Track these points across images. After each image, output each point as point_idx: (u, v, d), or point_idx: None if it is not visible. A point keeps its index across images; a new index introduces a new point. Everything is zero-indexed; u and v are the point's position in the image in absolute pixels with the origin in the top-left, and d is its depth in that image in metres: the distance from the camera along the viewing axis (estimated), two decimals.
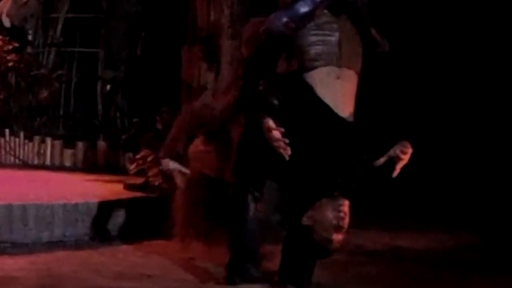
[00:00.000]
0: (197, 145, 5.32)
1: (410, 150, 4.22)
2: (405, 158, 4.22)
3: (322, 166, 4.09)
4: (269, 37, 4.26)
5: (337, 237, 4.04)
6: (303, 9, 4.18)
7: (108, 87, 8.56)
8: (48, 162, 8.27)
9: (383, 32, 4.35)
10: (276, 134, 4.02)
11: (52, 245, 5.31)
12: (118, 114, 8.47)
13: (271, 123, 4.04)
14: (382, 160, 4.21)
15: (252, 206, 4.31)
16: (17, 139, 8.35)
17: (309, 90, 4.13)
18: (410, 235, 6.17)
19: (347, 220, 4.05)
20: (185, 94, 6.25)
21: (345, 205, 4.05)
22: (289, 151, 4.00)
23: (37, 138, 8.36)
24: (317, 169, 4.09)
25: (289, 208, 4.49)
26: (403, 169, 4.27)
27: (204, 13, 6.18)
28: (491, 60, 7.72)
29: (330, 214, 4.01)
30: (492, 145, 7.64)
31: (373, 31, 4.30)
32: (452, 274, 5.11)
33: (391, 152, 4.21)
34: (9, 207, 5.30)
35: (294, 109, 4.12)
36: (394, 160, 4.22)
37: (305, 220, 4.07)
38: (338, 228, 4.02)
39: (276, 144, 4.02)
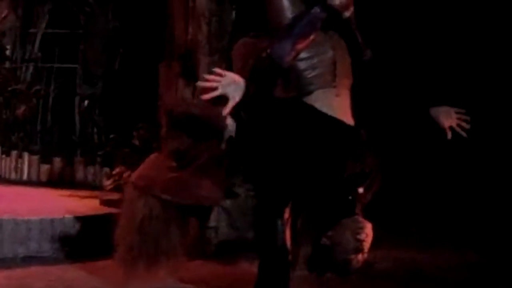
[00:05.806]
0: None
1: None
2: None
3: (337, 180, 3.92)
4: (273, 66, 4.00)
5: (357, 257, 3.85)
6: (304, 33, 3.97)
7: (86, 102, 8.55)
8: (25, 177, 8.25)
9: (365, 40, 4.26)
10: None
11: (28, 260, 5.30)
12: (95, 130, 8.46)
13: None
14: (450, 134, 4.12)
15: (280, 229, 4.13)
16: None
17: (310, 108, 4.01)
18: (405, 251, 6.17)
19: (368, 242, 3.86)
20: (162, 110, 6.28)
21: (367, 227, 3.87)
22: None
23: (14, 153, 8.35)
24: (332, 183, 3.91)
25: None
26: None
27: (182, 30, 6.22)
28: (487, 76, 7.67)
29: (349, 236, 3.83)
30: (495, 160, 7.55)
31: (361, 41, 4.17)
32: None
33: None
34: None
35: (298, 130, 3.97)
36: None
37: (324, 240, 3.90)
38: (357, 250, 3.84)
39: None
